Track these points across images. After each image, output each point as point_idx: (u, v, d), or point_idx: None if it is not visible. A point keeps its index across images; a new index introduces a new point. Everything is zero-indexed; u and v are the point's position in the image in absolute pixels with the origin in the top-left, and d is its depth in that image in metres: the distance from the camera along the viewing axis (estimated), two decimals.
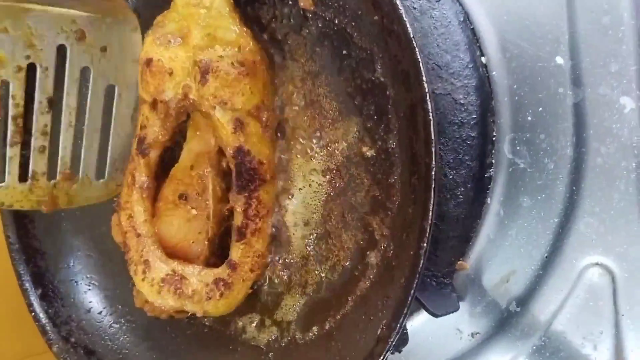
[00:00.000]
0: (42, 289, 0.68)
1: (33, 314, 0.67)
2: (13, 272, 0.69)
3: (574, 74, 0.52)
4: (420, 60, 0.48)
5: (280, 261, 0.62)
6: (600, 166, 0.51)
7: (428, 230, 0.48)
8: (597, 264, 0.51)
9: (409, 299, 0.48)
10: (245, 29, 0.59)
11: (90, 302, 0.69)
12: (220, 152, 0.64)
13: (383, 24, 0.53)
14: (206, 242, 0.62)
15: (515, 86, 0.54)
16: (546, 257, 0.53)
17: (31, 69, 0.57)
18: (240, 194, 0.59)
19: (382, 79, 0.57)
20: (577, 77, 0.52)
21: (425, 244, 0.48)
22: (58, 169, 0.61)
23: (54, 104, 0.59)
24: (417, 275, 0.48)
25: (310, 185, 0.61)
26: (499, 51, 0.54)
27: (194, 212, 0.63)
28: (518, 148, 0.54)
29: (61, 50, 0.58)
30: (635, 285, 0.50)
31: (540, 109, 0.53)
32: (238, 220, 0.59)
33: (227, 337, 0.65)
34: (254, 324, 0.63)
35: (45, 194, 0.60)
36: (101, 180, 0.64)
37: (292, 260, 0.62)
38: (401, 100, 0.55)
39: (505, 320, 0.56)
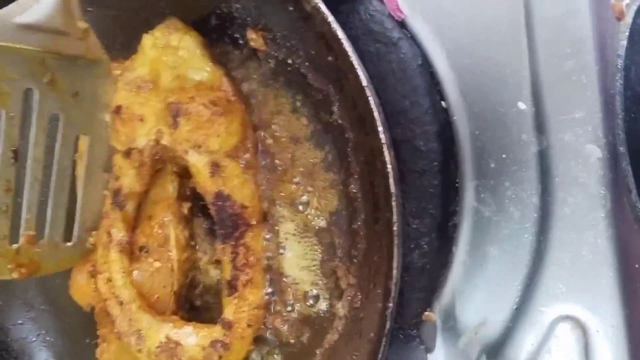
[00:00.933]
0: None
1: None
2: None
3: (537, 120, 0.50)
4: (375, 110, 0.46)
5: None
6: (568, 216, 0.49)
7: (393, 289, 0.46)
8: (567, 316, 0.50)
9: None
10: (217, 66, 0.56)
11: None
12: (180, 197, 0.61)
13: (338, 65, 0.51)
14: (172, 296, 0.59)
15: (477, 132, 0.52)
16: (515, 308, 0.51)
17: None
18: (225, 243, 0.55)
19: (339, 121, 0.55)
20: (541, 124, 0.50)
21: (391, 304, 0.47)
22: (21, 231, 0.52)
23: (19, 155, 0.51)
24: (385, 339, 0.47)
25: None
26: (460, 96, 0.52)
27: (157, 264, 0.59)
28: (482, 195, 0.52)
29: (28, 95, 0.51)
30: (606, 340, 0.48)
31: (504, 155, 0.51)
32: (227, 272, 0.56)
33: None
34: None
35: (6, 261, 0.52)
36: (69, 244, 0.57)
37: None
38: (360, 144, 0.53)
39: None
